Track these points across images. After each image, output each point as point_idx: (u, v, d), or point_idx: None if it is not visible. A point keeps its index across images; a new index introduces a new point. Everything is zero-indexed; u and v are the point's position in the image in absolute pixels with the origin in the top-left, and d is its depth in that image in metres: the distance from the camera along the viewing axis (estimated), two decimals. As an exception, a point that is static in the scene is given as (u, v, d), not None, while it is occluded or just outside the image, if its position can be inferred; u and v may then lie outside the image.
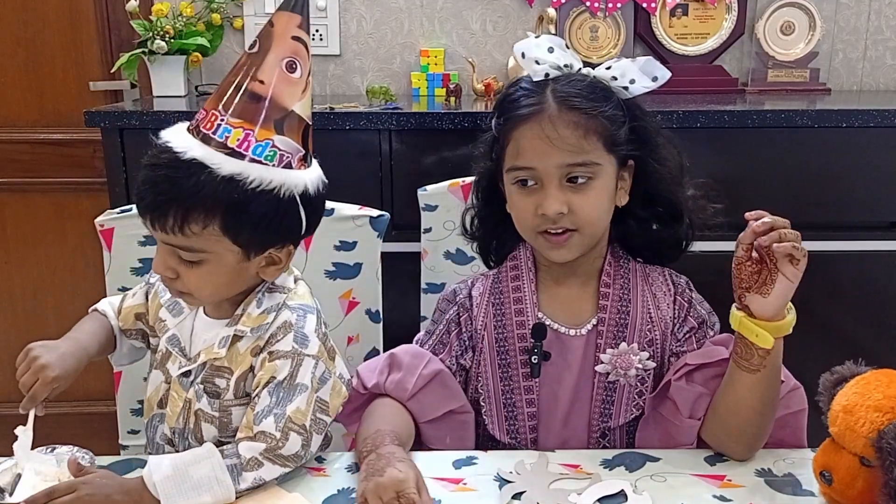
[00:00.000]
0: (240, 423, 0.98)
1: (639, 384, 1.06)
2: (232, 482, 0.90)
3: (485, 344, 1.10)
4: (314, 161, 1.00)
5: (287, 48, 0.93)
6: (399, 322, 1.45)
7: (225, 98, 0.92)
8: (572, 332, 1.08)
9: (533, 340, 1.07)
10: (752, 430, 0.98)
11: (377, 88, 2.02)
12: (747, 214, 0.93)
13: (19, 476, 0.94)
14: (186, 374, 1.02)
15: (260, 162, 0.91)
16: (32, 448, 0.97)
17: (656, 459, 0.99)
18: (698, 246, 1.95)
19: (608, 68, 1.06)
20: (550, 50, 1.05)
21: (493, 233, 1.16)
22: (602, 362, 1.05)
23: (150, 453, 1.08)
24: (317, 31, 2.28)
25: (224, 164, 0.90)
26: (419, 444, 1.07)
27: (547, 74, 1.05)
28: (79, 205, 2.30)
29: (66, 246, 2.37)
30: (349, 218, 1.34)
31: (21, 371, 0.97)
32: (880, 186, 1.87)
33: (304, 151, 0.96)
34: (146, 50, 2.06)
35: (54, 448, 0.98)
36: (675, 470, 0.96)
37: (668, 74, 1.06)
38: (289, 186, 0.93)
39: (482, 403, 1.10)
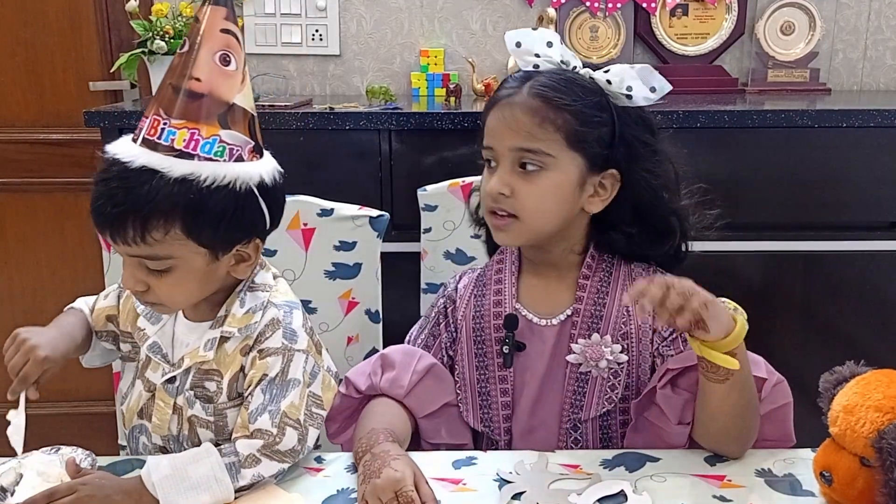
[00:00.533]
0: (234, 424, 0.98)
1: (611, 377, 1.05)
2: (231, 481, 0.90)
3: (463, 334, 1.11)
4: (266, 153, 1.00)
5: (218, 42, 0.92)
6: (398, 322, 1.45)
7: (164, 102, 0.91)
8: (544, 321, 1.08)
9: (505, 331, 1.08)
10: (736, 430, 0.97)
11: (377, 88, 2.02)
12: (625, 299, 0.91)
13: (21, 476, 0.93)
14: (171, 380, 1.01)
15: (210, 159, 0.91)
16: (36, 448, 0.96)
17: (656, 460, 0.99)
18: (697, 246, 1.96)
19: (606, 72, 1.04)
20: (549, 44, 1.05)
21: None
22: (573, 352, 1.05)
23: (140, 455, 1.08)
24: (316, 30, 2.28)
25: (175, 166, 0.89)
26: (417, 440, 1.08)
27: (536, 66, 1.06)
28: (78, 205, 2.30)
29: (66, 246, 2.37)
30: (349, 218, 1.34)
31: (10, 354, 0.96)
32: (880, 186, 1.87)
33: (253, 143, 0.96)
34: (146, 50, 2.06)
35: (58, 449, 0.97)
36: (675, 470, 0.96)
37: (668, 87, 1.04)
38: (244, 179, 0.92)
39: (458, 391, 1.11)
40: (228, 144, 0.92)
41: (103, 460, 0.99)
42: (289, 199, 1.32)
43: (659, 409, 1.01)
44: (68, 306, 1.13)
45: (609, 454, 1.00)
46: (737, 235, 1.89)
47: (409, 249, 1.55)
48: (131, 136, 0.93)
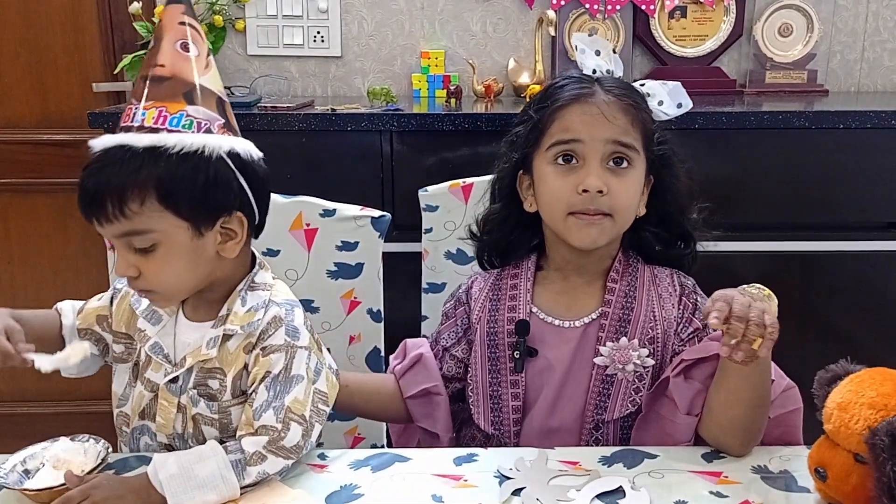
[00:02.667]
0: (239, 421, 0.99)
1: (636, 380, 1.07)
2: (237, 479, 0.91)
3: (477, 337, 1.13)
4: (246, 140, 1.01)
5: (177, 32, 0.97)
6: (400, 321, 1.47)
7: (136, 92, 0.97)
8: (567, 323, 1.10)
9: (517, 336, 1.09)
10: (746, 423, 0.98)
11: (378, 90, 2.03)
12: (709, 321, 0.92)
13: (43, 465, 0.95)
14: (174, 380, 1.02)
15: (178, 131, 0.94)
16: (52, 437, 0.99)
17: (654, 456, 1.00)
18: (697, 246, 1.97)
19: (642, 85, 1.10)
20: (598, 53, 1.10)
21: (510, 235, 1.16)
22: (601, 355, 1.07)
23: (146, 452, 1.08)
24: (318, 32, 2.29)
25: (142, 139, 0.92)
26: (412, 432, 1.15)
27: (594, 70, 1.09)
28: (81, 205, 2.31)
29: (69, 246, 2.38)
30: (351, 218, 1.35)
31: None
32: (878, 187, 1.88)
33: (223, 120, 0.98)
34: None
35: (74, 437, 0.99)
36: (673, 467, 0.97)
37: (691, 104, 1.10)
38: (212, 147, 0.94)
39: (470, 394, 1.13)
40: (196, 118, 0.95)
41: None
42: (291, 199, 1.35)
43: (669, 401, 1.03)
44: (55, 306, 1.12)
45: (608, 451, 1.01)
46: (734, 236, 1.90)
47: (411, 249, 1.56)
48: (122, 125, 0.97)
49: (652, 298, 1.09)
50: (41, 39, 2.28)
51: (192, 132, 0.94)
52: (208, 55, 0.99)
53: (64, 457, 0.96)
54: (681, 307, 1.10)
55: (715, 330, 1.02)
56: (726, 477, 0.95)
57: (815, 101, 2.15)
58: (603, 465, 0.98)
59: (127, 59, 2.08)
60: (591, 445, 1.07)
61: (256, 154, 1.01)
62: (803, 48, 2.28)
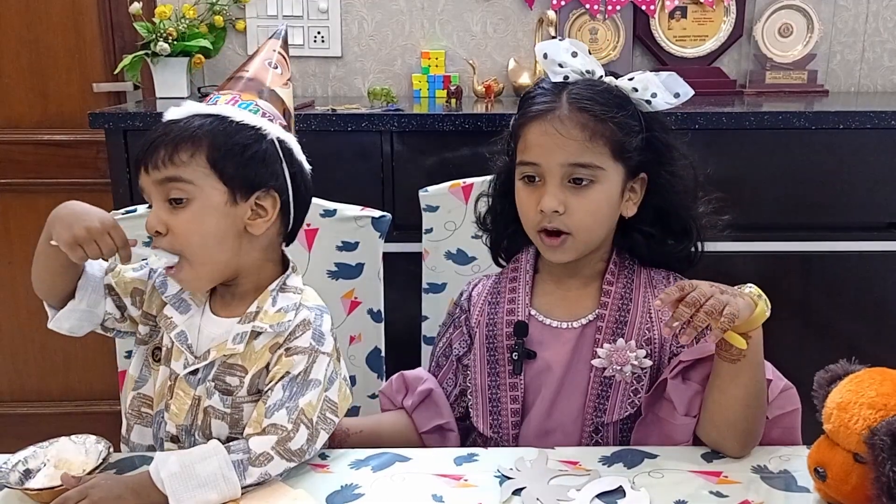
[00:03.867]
0: (249, 418, 0.99)
1: (635, 382, 1.07)
2: (238, 479, 0.91)
3: (476, 340, 1.13)
4: (302, 153, 1.09)
5: (269, 55, 1.10)
6: (400, 321, 1.47)
7: (220, 87, 1.08)
8: (564, 324, 1.10)
9: (515, 338, 1.09)
10: (741, 424, 0.98)
11: (378, 90, 2.03)
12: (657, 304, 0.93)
13: (44, 464, 0.96)
14: (193, 372, 1.03)
15: (245, 111, 1.02)
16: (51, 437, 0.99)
17: (654, 456, 1.00)
18: (697, 246, 1.97)
19: (630, 79, 1.07)
20: (574, 54, 1.07)
21: (505, 231, 1.17)
22: (599, 356, 1.07)
23: (151, 448, 1.09)
24: (318, 32, 2.29)
25: (210, 109, 1.01)
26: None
27: (566, 77, 1.07)
28: (82, 205, 2.31)
29: (70, 246, 2.38)
30: (351, 219, 1.36)
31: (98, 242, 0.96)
32: (877, 187, 1.88)
33: (285, 123, 1.06)
34: (149, 52, 2.08)
35: (75, 437, 0.99)
36: (673, 466, 0.98)
37: (691, 92, 1.07)
38: (269, 130, 1.02)
39: (469, 397, 1.14)
40: (262, 108, 1.04)
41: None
42: (292, 199, 1.35)
43: (667, 403, 1.03)
44: None
45: (608, 451, 1.02)
46: (735, 236, 1.88)
47: (411, 250, 1.56)
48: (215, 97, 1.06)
49: (648, 300, 1.09)
50: (42, 40, 2.28)
51: (257, 116, 1.02)
52: (289, 79, 1.11)
53: (65, 456, 0.96)
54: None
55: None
56: (726, 477, 0.95)
57: (816, 101, 2.15)
58: (603, 464, 0.98)
59: (127, 60, 2.08)
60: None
61: (307, 166, 1.09)
62: (803, 48, 2.28)
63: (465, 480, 0.95)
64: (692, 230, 1.12)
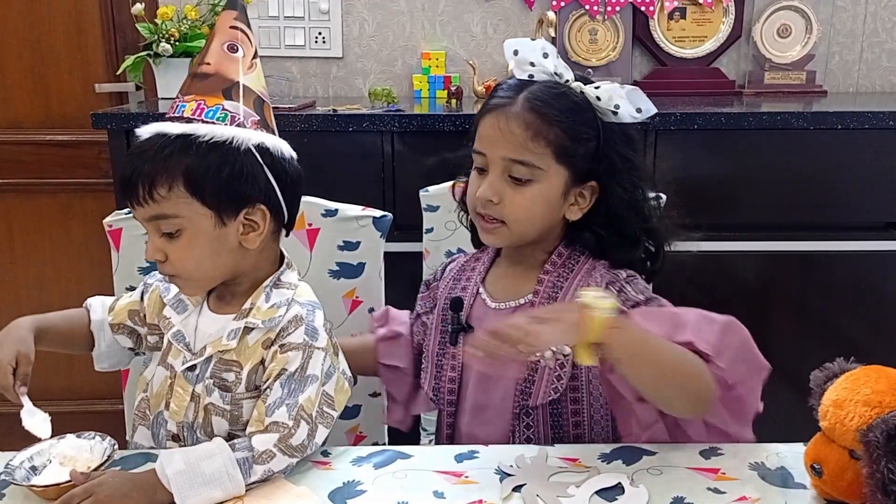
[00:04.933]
0: (250, 415, 1.00)
1: (558, 368, 1.09)
2: (242, 477, 0.92)
3: (436, 308, 1.20)
4: (279, 138, 1.05)
5: (226, 35, 1.04)
6: (401, 320, 1.47)
7: (182, 88, 1.03)
8: (494, 305, 1.14)
9: (451, 311, 1.15)
10: (677, 397, 0.98)
11: (379, 90, 2.04)
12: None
13: (50, 461, 0.97)
14: (191, 368, 1.04)
15: (211, 122, 0.99)
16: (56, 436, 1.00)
17: (653, 453, 1.01)
18: (696, 246, 1.98)
19: (596, 87, 1.08)
20: (545, 55, 1.09)
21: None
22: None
23: (152, 448, 1.10)
24: (319, 33, 2.30)
25: (176, 128, 0.98)
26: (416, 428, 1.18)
27: (531, 76, 1.10)
28: (84, 205, 2.33)
29: (71, 246, 2.40)
30: (352, 218, 1.37)
31: None
32: (876, 187, 1.89)
33: (258, 117, 1.02)
34: (151, 52, 2.09)
35: (80, 434, 1.00)
36: (671, 463, 0.99)
37: (654, 110, 1.09)
38: (241, 139, 0.99)
39: (423, 360, 1.22)
40: (230, 112, 1.00)
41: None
42: (294, 199, 1.36)
43: (620, 393, 1.03)
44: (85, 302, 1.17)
45: (606, 448, 1.02)
46: (733, 236, 1.92)
47: (412, 249, 1.57)
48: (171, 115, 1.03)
49: (579, 289, 1.10)
50: (44, 40, 2.29)
51: (225, 125, 0.99)
52: (254, 57, 1.05)
53: (70, 454, 0.97)
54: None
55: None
56: (724, 473, 0.96)
57: (814, 101, 2.16)
58: (602, 461, 0.99)
59: (129, 60, 2.09)
60: (522, 431, 1.10)
61: (289, 152, 1.05)
62: (802, 49, 2.29)
63: (466, 477, 0.96)
64: (640, 240, 1.13)
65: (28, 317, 1.09)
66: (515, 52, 1.10)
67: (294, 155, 1.06)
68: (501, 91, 1.10)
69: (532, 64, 1.09)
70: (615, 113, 1.07)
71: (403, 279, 1.52)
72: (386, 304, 1.42)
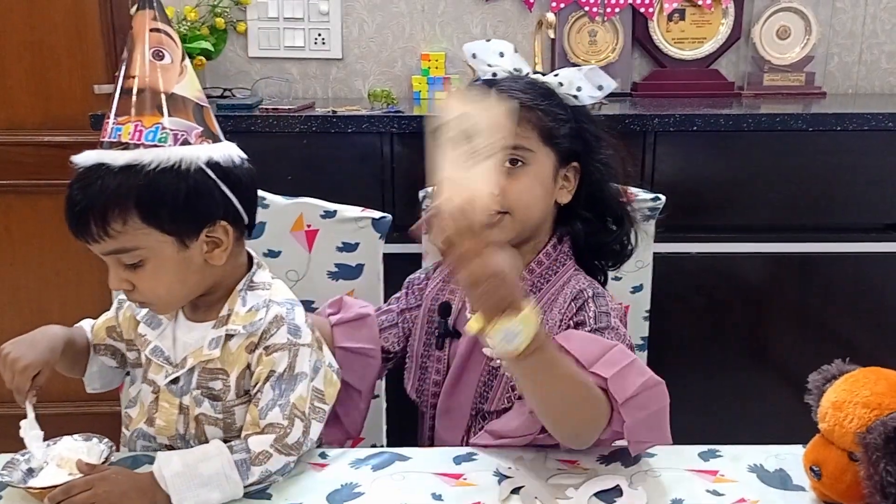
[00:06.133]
0: (243, 421, 1.00)
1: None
2: (240, 479, 0.92)
3: (422, 309, 1.20)
4: (226, 142, 1.01)
5: (149, 41, 0.96)
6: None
7: (112, 107, 0.95)
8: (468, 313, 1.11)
9: (440, 317, 1.16)
10: (554, 422, 0.96)
11: (379, 92, 2.04)
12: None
13: (47, 463, 0.96)
14: (175, 381, 1.03)
15: (155, 145, 0.93)
16: (54, 437, 1.00)
17: (651, 455, 1.01)
18: (695, 248, 1.98)
19: (556, 75, 1.14)
20: (501, 55, 1.14)
21: None
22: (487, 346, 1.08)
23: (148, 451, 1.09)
24: (319, 34, 2.30)
25: (119, 157, 0.92)
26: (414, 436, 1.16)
27: (495, 75, 1.14)
28: (83, 207, 2.32)
29: (71, 248, 2.37)
30: (352, 220, 1.37)
31: (1, 371, 1.00)
32: (875, 189, 1.89)
33: (201, 129, 0.97)
34: (151, 54, 2.09)
35: (77, 436, 1.00)
36: (670, 465, 0.99)
37: (613, 84, 1.14)
38: (189, 159, 0.94)
39: (407, 361, 1.21)
40: (172, 130, 0.94)
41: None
42: (292, 200, 1.36)
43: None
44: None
45: (605, 450, 1.02)
46: (732, 237, 1.92)
47: (411, 251, 1.57)
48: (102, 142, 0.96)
49: (548, 300, 1.11)
50: (44, 41, 2.29)
51: (169, 145, 0.93)
52: (183, 59, 0.98)
53: (67, 455, 0.97)
54: (567, 310, 1.09)
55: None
56: (723, 475, 0.96)
57: (813, 103, 2.16)
58: (601, 463, 0.99)
59: (129, 62, 2.09)
60: (476, 433, 1.10)
61: (238, 157, 1.00)
62: (801, 51, 2.29)
63: (465, 479, 0.96)
64: (625, 218, 1.17)
65: (61, 327, 1.06)
66: (474, 56, 1.15)
67: (243, 156, 1.01)
68: (471, 93, 1.11)
69: (489, 65, 1.14)
70: (576, 97, 1.13)
71: (402, 280, 1.51)
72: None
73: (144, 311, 1.07)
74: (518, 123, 1.06)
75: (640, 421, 0.95)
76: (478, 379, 1.12)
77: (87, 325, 1.14)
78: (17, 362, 0.98)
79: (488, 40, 1.16)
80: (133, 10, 0.97)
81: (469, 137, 0.80)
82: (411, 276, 1.29)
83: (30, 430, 0.98)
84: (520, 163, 1.08)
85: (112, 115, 0.94)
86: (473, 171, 0.82)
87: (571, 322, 1.08)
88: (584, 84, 1.12)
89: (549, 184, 1.11)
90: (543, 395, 0.94)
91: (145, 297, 0.98)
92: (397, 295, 1.28)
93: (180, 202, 0.93)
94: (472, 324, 0.87)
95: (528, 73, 1.14)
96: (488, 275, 0.82)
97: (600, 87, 1.13)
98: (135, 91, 0.94)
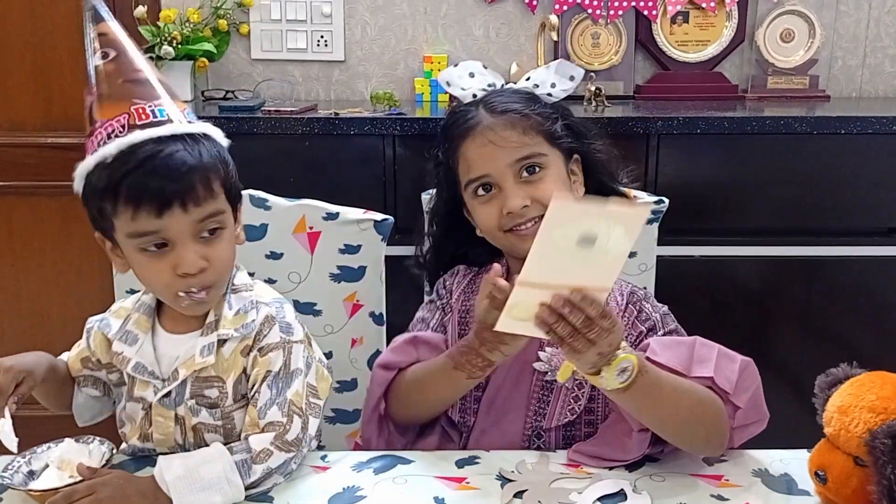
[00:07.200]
0: (242, 425, 1.00)
1: (576, 388, 1.07)
2: (241, 481, 0.92)
3: (449, 326, 1.16)
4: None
5: (133, 44, 0.98)
6: (402, 324, 1.46)
7: (129, 95, 0.94)
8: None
9: None
10: (679, 437, 0.97)
11: (381, 94, 2.04)
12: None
13: (47, 465, 0.96)
14: (167, 395, 1.01)
15: (191, 123, 0.97)
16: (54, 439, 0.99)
17: (655, 460, 1.00)
18: (699, 251, 1.97)
19: (528, 79, 1.16)
20: (472, 75, 1.17)
21: (448, 265, 1.24)
22: (541, 359, 1.08)
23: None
24: (321, 37, 2.30)
25: (187, 127, 0.95)
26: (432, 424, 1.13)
27: (475, 95, 1.15)
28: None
29: (72, 249, 2.39)
30: (354, 222, 1.36)
31: None
32: (879, 192, 1.89)
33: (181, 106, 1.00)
34: (154, 55, 2.09)
35: (78, 438, 1.00)
36: (674, 470, 0.98)
37: (582, 72, 1.20)
38: (217, 136, 1.00)
39: None
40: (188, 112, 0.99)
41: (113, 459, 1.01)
42: (295, 202, 1.36)
43: (619, 416, 1.00)
44: None
45: (609, 454, 1.02)
46: (736, 240, 1.91)
47: (413, 253, 1.56)
48: (111, 136, 0.93)
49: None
50: (46, 43, 2.29)
51: (198, 122, 0.98)
52: (143, 51, 1.02)
53: (68, 457, 0.97)
54: (626, 314, 1.09)
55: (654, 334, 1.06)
56: (727, 480, 0.96)
57: (817, 106, 2.15)
58: (604, 468, 0.99)
59: (131, 63, 2.09)
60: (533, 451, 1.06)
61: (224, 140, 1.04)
62: (805, 54, 2.29)
63: (467, 483, 0.96)
64: (624, 198, 1.19)
65: (46, 354, 1.06)
66: (448, 84, 1.18)
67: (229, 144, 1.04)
68: (460, 118, 1.12)
69: (464, 88, 1.16)
70: (550, 95, 1.15)
71: (404, 283, 1.51)
72: (387, 308, 1.42)
73: (116, 328, 1.04)
74: (524, 133, 1.08)
75: (747, 403, 0.98)
76: (528, 395, 1.09)
77: (66, 357, 1.12)
78: (2, 363, 0.97)
79: (456, 65, 1.19)
80: (95, 25, 0.98)
81: (591, 240, 0.80)
82: (431, 297, 1.23)
83: (4, 427, 0.95)
84: (539, 169, 1.08)
85: (143, 100, 0.94)
86: (592, 266, 0.83)
87: (638, 323, 1.08)
88: (557, 79, 1.15)
89: (567, 181, 1.12)
90: (660, 414, 0.95)
91: (216, 273, 0.96)
92: (422, 316, 1.22)
93: (231, 170, 0.99)
94: (564, 372, 0.93)
95: (502, 85, 1.17)
96: (601, 331, 0.85)
97: (571, 78, 1.15)
98: (155, 80, 0.96)
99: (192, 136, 0.94)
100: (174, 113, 0.95)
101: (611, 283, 0.86)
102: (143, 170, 0.90)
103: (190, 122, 0.96)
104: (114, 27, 0.97)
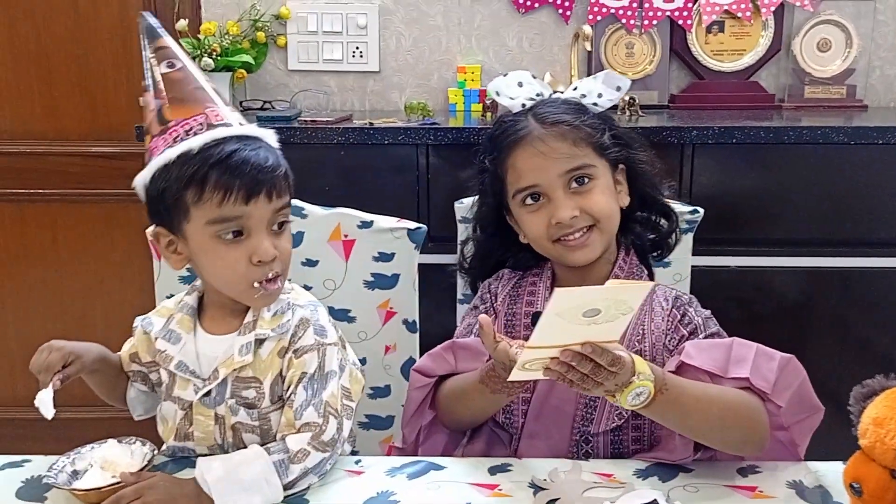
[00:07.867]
0: (278, 426, 1.02)
1: None
2: (280, 482, 0.94)
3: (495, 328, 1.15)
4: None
5: (161, 66, 1.03)
6: (435, 332, 1.48)
7: (203, 101, 1.00)
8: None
9: (532, 326, 1.12)
10: (718, 441, 0.98)
11: (415, 104, 2.06)
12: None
13: (91, 466, 0.99)
14: (207, 393, 1.03)
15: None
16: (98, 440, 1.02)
17: (689, 470, 1.00)
18: (734, 261, 1.96)
19: (575, 89, 1.16)
20: (520, 84, 1.16)
21: (491, 271, 1.25)
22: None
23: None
24: (357, 48, 2.34)
25: (258, 130, 1.03)
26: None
27: (524, 105, 1.16)
28: (128, 215, 2.37)
29: (115, 255, 2.45)
30: (387, 230, 1.38)
31: (36, 357, 1.01)
32: (918, 203, 1.86)
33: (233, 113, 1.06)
34: (194, 67, 2.13)
35: (120, 439, 1.02)
36: (708, 481, 0.98)
37: (629, 83, 1.19)
38: (265, 136, 1.05)
39: None
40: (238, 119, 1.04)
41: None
42: (330, 210, 1.38)
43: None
44: None
45: (642, 464, 1.02)
46: (773, 251, 1.89)
47: (446, 261, 1.57)
48: (190, 132, 0.98)
49: (644, 311, 1.11)
50: (91, 55, 2.35)
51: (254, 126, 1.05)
52: (183, 64, 1.05)
53: (111, 458, 0.99)
54: (669, 318, 1.11)
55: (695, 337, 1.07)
56: (761, 492, 0.95)
57: (855, 116, 2.13)
58: (637, 477, 0.99)
59: (172, 75, 2.14)
60: (581, 458, 1.07)
61: None
62: (842, 63, 2.26)
63: (500, 490, 0.96)
64: (671, 209, 1.21)
65: (101, 346, 1.10)
66: (497, 94, 1.18)
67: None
68: (509, 128, 1.14)
69: (512, 98, 1.16)
70: (596, 105, 1.16)
71: (437, 291, 1.52)
72: (420, 315, 1.43)
73: (159, 327, 1.07)
74: (574, 144, 1.10)
75: (791, 400, 0.98)
76: (576, 399, 1.09)
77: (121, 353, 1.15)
78: (55, 344, 1.02)
79: (505, 74, 1.19)
80: (153, 40, 1.04)
81: (595, 312, 0.83)
82: (475, 301, 1.24)
83: (42, 395, 0.97)
84: (588, 180, 1.10)
85: (212, 103, 1.00)
86: (598, 329, 0.86)
87: (681, 327, 1.10)
88: (604, 89, 1.15)
89: (614, 191, 1.14)
90: (687, 423, 0.96)
91: (284, 263, 1.02)
92: (469, 323, 1.22)
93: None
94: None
95: (550, 94, 1.17)
96: (607, 374, 0.87)
97: (618, 88, 1.16)
98: (211, 91, 1.02)
99: (258, 138, 1.01)
100: (235, 119, 1.01)
101: (618, 336, 0.88)
102: (234, 160, 0.96)
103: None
104: (171, 42, 1.03)
